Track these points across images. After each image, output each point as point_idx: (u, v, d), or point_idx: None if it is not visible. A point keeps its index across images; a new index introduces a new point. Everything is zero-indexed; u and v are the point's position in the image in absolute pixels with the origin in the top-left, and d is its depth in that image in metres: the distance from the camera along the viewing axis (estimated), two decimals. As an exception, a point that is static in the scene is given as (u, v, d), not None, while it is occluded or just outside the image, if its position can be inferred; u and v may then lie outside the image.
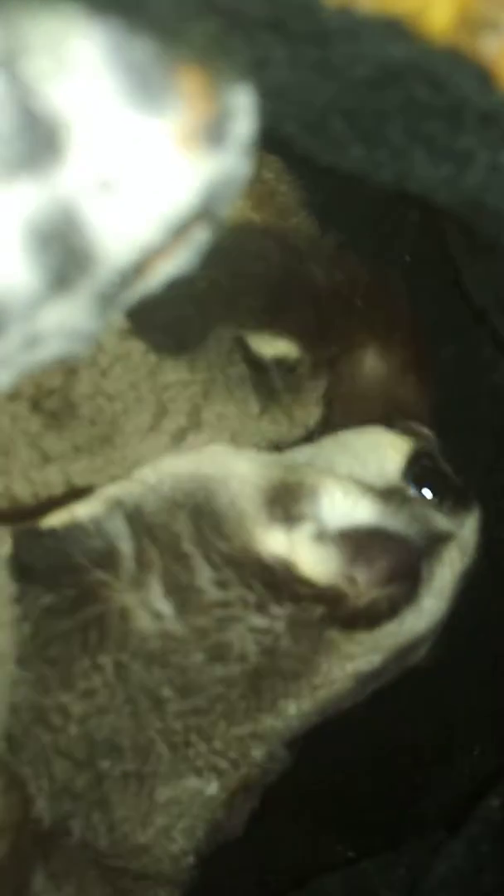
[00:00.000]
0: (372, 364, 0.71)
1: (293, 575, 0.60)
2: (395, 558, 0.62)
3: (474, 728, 0.69)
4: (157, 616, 0.59)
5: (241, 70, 0.34)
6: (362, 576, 0.61)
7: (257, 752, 0.63)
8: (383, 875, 0.61)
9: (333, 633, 0.61)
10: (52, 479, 0.63)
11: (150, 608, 0.59)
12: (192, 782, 0.62)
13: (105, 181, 0.32)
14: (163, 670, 0.60)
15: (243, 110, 0.35)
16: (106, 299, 0.37)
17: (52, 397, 0.63)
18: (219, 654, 0.60)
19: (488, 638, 0.69)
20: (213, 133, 0.34)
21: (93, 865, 0.63)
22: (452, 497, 0.66)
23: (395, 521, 0.63)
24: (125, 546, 0.60)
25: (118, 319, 0.62)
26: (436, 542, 0.65)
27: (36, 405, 0.63)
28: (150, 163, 0.33)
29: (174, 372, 0.65)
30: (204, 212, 0.37)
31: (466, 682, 0.70)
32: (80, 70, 0.30)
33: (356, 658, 0.62)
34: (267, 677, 0.61)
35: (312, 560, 0.61)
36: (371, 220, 0.76)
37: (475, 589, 0.70)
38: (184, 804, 0.63)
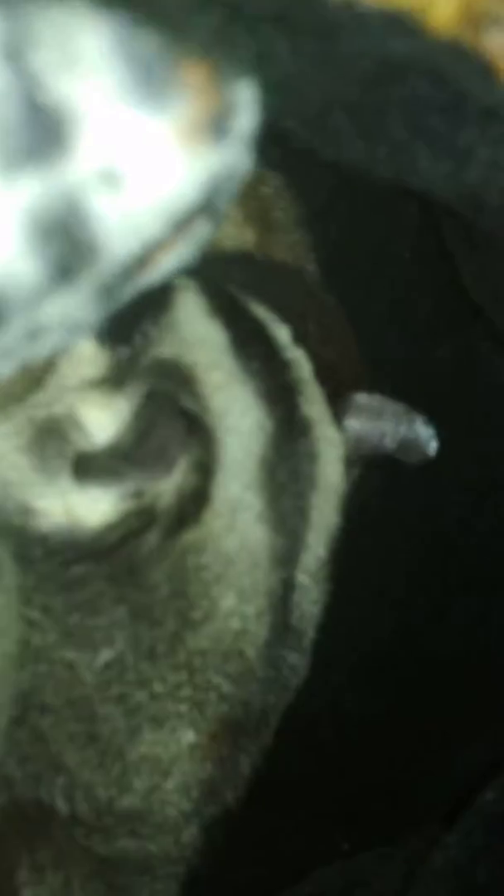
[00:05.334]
0: None
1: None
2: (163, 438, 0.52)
3: (473, 723, 0.69)
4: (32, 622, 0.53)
5: (245, 64, 0.34)
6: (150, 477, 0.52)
7: (213, 678, 0.55)
8: (380, 867, 0.61)
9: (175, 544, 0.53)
10: None
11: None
12: (158, 735, 0.55)
13: (109, 174, 0.32)
14: None
15: (246, 104, 0.36)
16: (108, 292, 0.37)
17: None
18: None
19: (487, 633, 0.70)
20: (216, 127, 0.34)
21: (85, 859, 0.57)
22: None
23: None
24: None
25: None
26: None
27: None
28: (153, 156, 0.33)
29: None
30: (206, 206, 0.37)
31: (465, 677, 0.70)
32: (86, 63, 0.31)
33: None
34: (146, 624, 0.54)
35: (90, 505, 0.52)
36: (372, 216, 0.76)
37: (470, 586, 0.71)
38: (163, 761, 0.55)
